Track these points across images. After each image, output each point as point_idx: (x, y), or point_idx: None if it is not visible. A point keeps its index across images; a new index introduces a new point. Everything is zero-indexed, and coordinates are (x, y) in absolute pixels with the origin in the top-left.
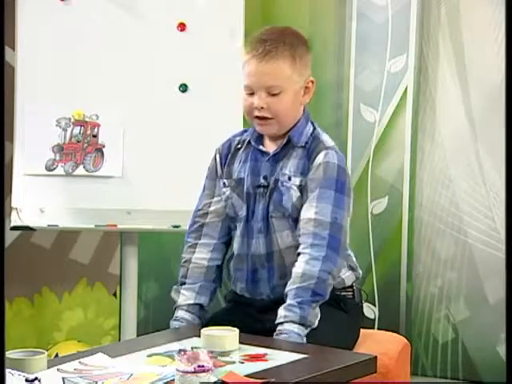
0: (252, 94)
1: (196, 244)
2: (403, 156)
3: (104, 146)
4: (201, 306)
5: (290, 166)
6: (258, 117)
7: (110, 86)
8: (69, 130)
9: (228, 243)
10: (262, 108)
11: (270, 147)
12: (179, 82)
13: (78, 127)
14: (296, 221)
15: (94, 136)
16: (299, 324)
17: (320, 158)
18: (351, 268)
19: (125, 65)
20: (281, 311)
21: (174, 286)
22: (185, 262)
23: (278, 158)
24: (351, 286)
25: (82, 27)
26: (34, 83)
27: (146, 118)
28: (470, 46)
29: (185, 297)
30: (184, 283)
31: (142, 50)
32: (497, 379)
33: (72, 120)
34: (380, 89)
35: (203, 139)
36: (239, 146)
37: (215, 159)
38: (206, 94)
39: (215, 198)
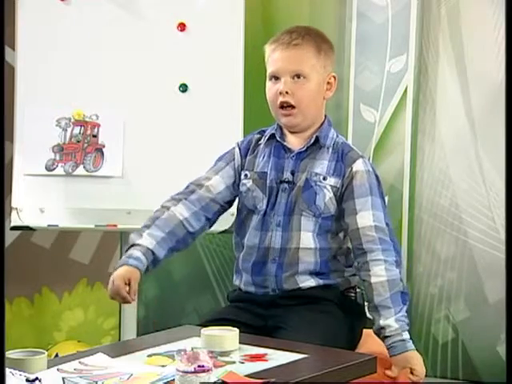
0: (277, 81)
1: (180, 200)
2: (403, 156)
3: (104, 146)
4: (155, 257)
5: (321, 166)
6: (282, 106)
7: (110, 86)
8: (69, 130)
9: (209, 223)
10: (287, 93)
11: (294, 144)
12: (179, 81)
13: (78, 127)
14: (323, 222)
15: (94, 136)
16: (407, 331)
17: (359, 166)
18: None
19: (125, 65)
20: (391, 323)
21: (140, 227)
22: (163, 207)
23: (302, 156)
24: (354, 287)
25: (82, 27)
26: (34, 83)
27: (146, 117)
28: (469, 46)
29: (145, 240)
30: (148, 226)
31: (141, 50)
32: (497, 379)
33: (72, 120)
34: (380, 89)
35: (203, 139)
36: (260, 141)
37: (234, 150)
38: (205, 94)
39: (217, 176)
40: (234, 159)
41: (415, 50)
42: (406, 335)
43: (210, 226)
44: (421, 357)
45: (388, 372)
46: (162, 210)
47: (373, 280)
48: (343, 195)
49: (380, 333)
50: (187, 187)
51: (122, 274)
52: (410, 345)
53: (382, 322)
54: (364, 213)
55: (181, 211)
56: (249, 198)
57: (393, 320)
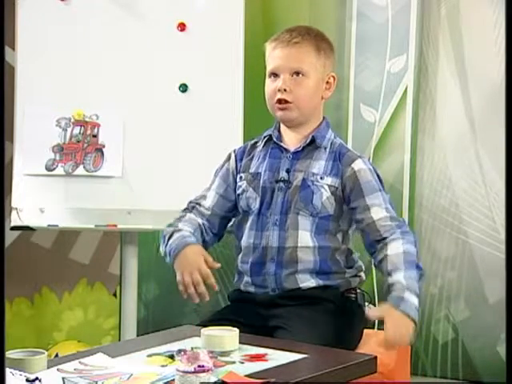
0: (276, 79)
1: (191, 211)
2: (403, 156)
3: (104, 146)
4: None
5: (318, 166)
6: (279, 101)
7: (110, 86)
8: (69, 130)
9: (217, 237)
10: (285, 90)
11: (291, 145)
12: (179, 81)
13: (78, 127)
14: (320, 221)
15: (94, 136)
16: (416, 296)
17: (360, 164)
18: (357, 270)
19: (125, 65)
20: (399, 278)
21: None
22: (180, 217)
23: (299, 155)
24: (354, 289)
25: (82, 27)
26: (34, 83)
27: (146, 117)
28: (469, 46)
29: (183, 226)
30: (179, 219)
31: (142, 49)
32: (497, 379)
33: (72, 120)
34: (380, 89)
35: (203, 139)
36: (256, 144)
37: (229, 158)
38: (206, 94)
39: (211, 192)
40: (228, 171)
41: (415, 50)
42: (409, 296)
43: (219, 240)
44: (407, 330)
45: (370, 312)
46: (183, 213)
47: (389, 252)
48: (350, 195)
49: (388, 291)
50: (188, 204)
51: (195, 252)
52: (405, 307)
53: (390, 280)
54: (377, 208)
55: (196, 218)
56: (243, 200)
57: (401, 276)
